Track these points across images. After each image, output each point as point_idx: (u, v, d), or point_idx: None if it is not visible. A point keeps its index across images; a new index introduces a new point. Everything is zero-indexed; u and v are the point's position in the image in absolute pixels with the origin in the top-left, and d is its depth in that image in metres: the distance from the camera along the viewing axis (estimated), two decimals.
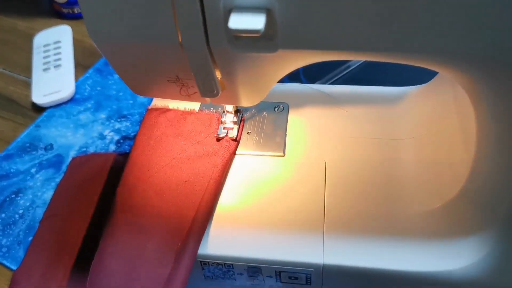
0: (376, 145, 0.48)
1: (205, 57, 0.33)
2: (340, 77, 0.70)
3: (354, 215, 0.44)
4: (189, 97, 0.40)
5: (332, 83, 0.69)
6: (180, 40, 0.32)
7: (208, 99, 0.40)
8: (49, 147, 0.64)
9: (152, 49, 0.34)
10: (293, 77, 0.71)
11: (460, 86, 0.37)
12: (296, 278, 0.44)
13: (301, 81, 0.71)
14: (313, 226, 0.43)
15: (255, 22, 0.29)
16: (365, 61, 0.71)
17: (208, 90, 0.37)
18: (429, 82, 0.51)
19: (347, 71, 0.70)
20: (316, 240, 0.43)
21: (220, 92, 0.37)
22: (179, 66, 0.35)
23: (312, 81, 0.70)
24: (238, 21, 0.29)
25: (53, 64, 0.73)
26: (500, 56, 0.29)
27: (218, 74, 0.36)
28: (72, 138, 0.65)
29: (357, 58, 0.33)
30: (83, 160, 0.60)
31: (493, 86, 0.32)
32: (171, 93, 0.40)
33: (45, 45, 0.77)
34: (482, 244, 0.40)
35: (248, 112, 0.53)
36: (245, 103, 0.40)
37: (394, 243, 0.42)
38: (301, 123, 0.52)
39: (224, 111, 0.50)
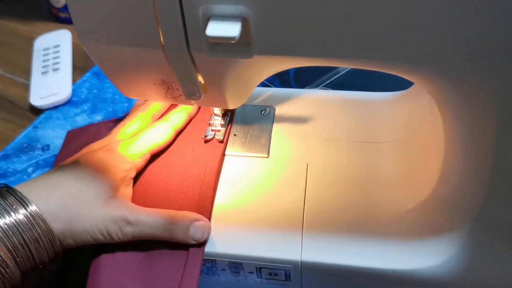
0: (356, 148, 0.50)
1: (186, 61, 0.35)
2: (329, 82, 0.72)
3: (332, 215, 0.46)
4: (175, 99, 0.42)
5: (321, 88, 0.71)
6: (163, 45, 0.35)
7: (193, 102, 0.42)
8: (46, 148, 0.66)
9: (136, 53, 0.36)
10: (284, 82, 0.73)
11: (429, 93, 0.39)
12: (276, 274, 0.45)
13: (291, 86, 0.73)
14: (292, 224, 0.45)
15: (231, 29, 0.31)
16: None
17: (191, 93, 0.39)
18: (409, 88, 0.53)
19: (336, 76, 0.72)
20: (295, 237, 0.44)
21: (202, 95, 0.39)
22: (163, 70, 0.37)
23: (302, 86, 0.72)
24: (215, 29, 0.31)
25: (52, 67, 0.76)
26: (461, 65, 0.31)
27: (200, 78, 0.38)
28: None
29: (328, 64, 0.35)
30: (78, 131, 0.64)
31: (457, 95, 0.34)
32: (158, 95, 0.42)
33: (45, 49, 0.79)
34: (452, 244, 0.41)
35: (235, 115, 0.55)
36: (227, 105, 0.42)
37: (369, 242, 0.44)
38: (286, 126, 0.54)
39: (212, 114, 0.52)
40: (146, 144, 0.50)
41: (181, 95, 0.40)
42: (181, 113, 0.53)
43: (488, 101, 0.33)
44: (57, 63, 0.76)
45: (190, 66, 0.36)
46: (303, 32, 0.32)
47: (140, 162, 0.49)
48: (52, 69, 0.75)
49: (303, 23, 0.31)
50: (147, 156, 0.50)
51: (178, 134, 0.53)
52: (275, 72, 0.40)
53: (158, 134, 0.51)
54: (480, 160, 0.37)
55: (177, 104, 0.55)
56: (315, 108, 0.55)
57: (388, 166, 0.48)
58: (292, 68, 0.75)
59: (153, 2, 0.32)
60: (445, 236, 0.42)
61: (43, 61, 0.77)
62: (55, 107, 0.71)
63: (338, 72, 0.73)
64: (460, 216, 0.41)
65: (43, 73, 0.75)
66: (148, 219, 0.43)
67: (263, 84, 0.72)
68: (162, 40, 0.34)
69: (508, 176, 0.36)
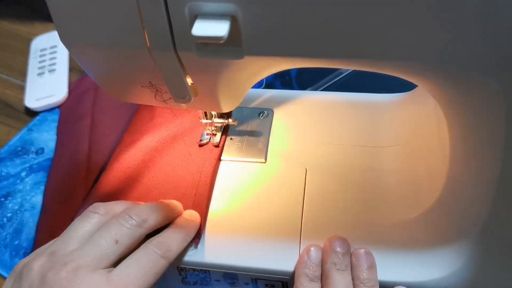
0: (358, 152, 0.48)
1: (174, 63, 0.33)
2: (332, 84, 0.70)
3: (332, 223, 0.43)
4: (165, 103, 0.40)
5: (324, 90, 0.69)
6: (148, 46, 0.33)
7: (184, 105, 0.40)
8: (40, 151, 0.65)
9: (122, 54, 0.34)
10: (285, 83, 0.71)
11: (433, 97, 0.36)
12: (273, 286, 0.43)
13: (293, 87, 0.70)
14: (290, 233, 0.43)
15: (218, 29, 0.29)
16: None
17: (180, 96, 0.37)
18: (413, 90, 0.51)
19: (339, 77, 0.70)
20: (293, 247, 0.42)
21: (192, 98, 0.37)
22: (150, 72, 0.35)
23: (304, 87, 0.70)
24: (202, 28, 0.29)
25: (48, 68, 0.74)
26: (465, 66, 0.29)
27: (190, 80, 0.36)
28: None
29: (323, 65, 0.33)
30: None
31: (460, 96, 0.32)
32: (147, 98, 0.40)
33: (41, 50, 0.78)
34: (458, 255, 0.39)
35: (232, 118, 0.53)
36: (220, 108, 0.40)
37: (371, 252, 0.41)
38: (284, 130, 0.52)
39: (207, 117, 0.50)
40: None
41: (170, 98, 0.38)
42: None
43: (495, 105, 0.31)
44: (54, 64, 0.75)
45: (177, 68, 0.34)
46: (297, 31, 0.29)
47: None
48: (48, 70, 0.74)
49: (296, 21, 0.29)
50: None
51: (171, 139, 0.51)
52: (270, 74, 0.38)
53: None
54: (487, 166, 0.35)
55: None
56: (316, 110, 0.53)
57: (391, 172, 0.46)
58: (294, 69, 0.73)
59: (137, 1, 0.30)
60: (451, 246, 0.40)
61: (40, 62, 0.76)
62: (51, 109, 0.70)
63: (341, 73, 0.71)
64: (467, 226, 0.39)
65: (39, 74, 0.74)
66: None
67: (261, 83, 0.70)
68: (147, 40, 0.32)
69: None
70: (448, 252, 0.40)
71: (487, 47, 0.27)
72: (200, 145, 0.50)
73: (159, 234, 0.41)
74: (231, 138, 0.51)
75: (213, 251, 0.43)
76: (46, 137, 0.66)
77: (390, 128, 0.49)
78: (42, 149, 0.65)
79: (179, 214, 0.44)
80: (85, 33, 0.33)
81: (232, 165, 0.49)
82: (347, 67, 0.34)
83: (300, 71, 0.72)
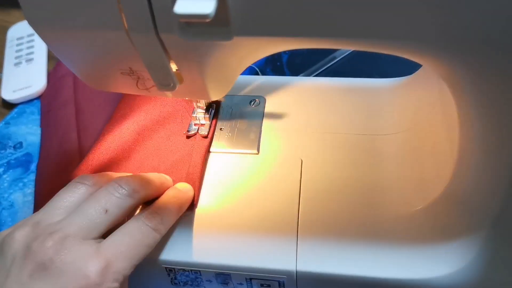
0: (357, 141, 0.45)
1: (155, 46, 0.30)
2: (325, 69, 0.67)
3: (330, 218, 0.41)
4: (147, 91, 0.37)
5: (316, 75, 0.66)
6: (126, 27, 0.29)
7: (169, 93, 0.37)
8: (18, 146, 0.61)
9: (97, 37, 0.31)
10: (276, 69, 0.68)
11: (441, 78, 0.33)
12: (268, 286, 0.40)
13: (284, 73, 0.67)
14: (286, 230, 0.40)
15: (204, 6, 0.26)
16: (352, 52, 0.68)
17: (163, 83, 0.33)
18: (415, 73, 0.48)
19: (332, 62, 0.67)
20: (289, 244, 0.39)
21: (177, 85, 0.34)
22: (129, 57, 0.32)
23: (296, 73, 0.67)
24: (185, 5, 0.26)
25: (25, 58, 0.70)
26: (482, 44, 0.26)
27: (174, 66, 0.33)
28: None
29: (322, 46, 0.30)
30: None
31: (475, 79, 0.29)
32: (127, 86, 0.37)
33: (18, 38, 0.74)
34: (468, 250, 0.36)
35: (221, 107, 0.49)
36: (208, 97, 0.37)
37: (373, 248, 0.39)
38: (278, 118, 0.48)
39: (195, 106, 0.47)
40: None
41: (153, 86, 0.35)
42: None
43: (510, 89, 0.28)
44: (31, 53, 0.71)
45: (160, 51, 0.30)
46: (290, 8, 0.26)
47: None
48: (25, 60, 0.70)
49: None
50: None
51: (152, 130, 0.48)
52: (261, 57, 0.34)
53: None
54: (500, 153, 0.32)
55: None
56: (310, 98, 0.50)
57: (393, 161, 0.43)
58: (285, 54, 0.69)
59: None
60: (459, 241, 0.37)
61: (16, 51, 0.72)
62: (29, 101, 0.66)
63: (335, 58, 0.68)
64: (477, 218, 0.36)
65: (16, 64, 0.70)
66: None
67: (253, 72, 0.67)
68: (124, 21, 0.29)
69: None
70: (456, 247, 0.37)
71: (500, 26, 0.24)
72: (188, 137, 0.47)
73: (151, 205, 0.39)
74: (220, 128, 0.48)
75: (204, 250, 0.40)
76: (25, 130, 0.63)
77: (390, 114, 0.46)
78: (21, 144, 0.61)
79: (170, 186, 0.42)
80: (55, 15, 0.30)
81: (223, 158, 0.46)
82: (348, 47, 0.30)
83: (292, 55, 0.69)
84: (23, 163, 0.59)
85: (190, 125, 0.47)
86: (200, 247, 0.40)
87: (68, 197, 0.38)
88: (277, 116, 0.48)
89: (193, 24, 0.28)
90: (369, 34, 0.27)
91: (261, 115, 0.49)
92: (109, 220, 0.36)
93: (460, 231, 0.37)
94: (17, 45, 0.73)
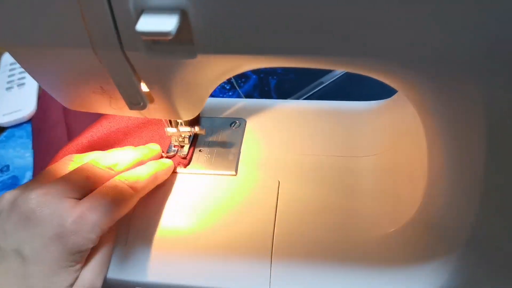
0: (335, 163, 0.45)
1: (122, 64, 0.30)
2: (312, 94, 0.67)
3: (304, 240, 0.40)
4: (120, 110, 0.37)
5: (304, 99, 0.66)
6: (92, 45, 0.30)
7: (141, 112, 0.37)
8: (5, 169, 0.61)
9: (66, 55, 0.31)
10: (264, 94, 0.68)
11: (409, 100, 0.33)
12: None
13: (271, 98, 0.68)
14: (260, 252, 0.40)
15: (165, 23, 0.26)
16: (340, 76, 0.68)
17: (133, 102, 0.34)
18: (393, 96, 0.48)
19: (319, 87, 0.67)
20: (263, 266, 0.39)
21: (147, 105, 0.34)
22: (99, 76, 0.32)
23: (284, 97, 0.67)
24: (147, 23, 0.26)
25: (17, 82, 0.71)
26: (441, 64, 0.26)
27: (144, 85, 0.33)
28: (30, 159, 0.62)
29: (287, 64, 0.30)
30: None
31: (436, 97, 0.29)
32: (102, 106, 0.37)
33: (11, 64, 0.75)
34: (443, 269, 0.36)
35: (199, 127, 0.49)
36: (179, 116, 0.37)
37: (346, 271, 0.38)
38: (257, 140, 0.48)
39: (172, 125, 0.47)
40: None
41: (125, 105, 0.35)
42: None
43: (476, 110, 0.28)
44: (23, 78, 0.72)
45: (127, 69, 0.31)
46: (252, 26, 0.27)
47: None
48: (17, 85, 0.71)
49: (251, 14, 0.26)
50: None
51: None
52: (231, 76, 0.35)
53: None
54: (469, 175, 0.32)
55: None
56: (291, 120, 0.50)
57: (369, 182, 0.43)
58: (273, 79, 0.70)
59: None
60: (432, 263, 0.36)
61: (9, 76, 0.73)
62: (18, 125, 0.67)
63: (323, 83, 0.68)
64: (449, 240, 0.36)
65: (8, 88, 0.71)
66: None
67: (244, 96, 0.68)
68: (91, 39, 0.29)
69: (501, 193, 0.30)
70: (429, 270, 0.36)
71: (465, 49, 0.25)
72: (167, 157, 0.47)
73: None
74: (200, 150, 0.48)
75: (178, 271, 0.39)
76: (12, 154, 0.63)
77: (368, 137, 0.46)
78: (7, 167, 0.62)
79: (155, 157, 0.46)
80: (23, 32, 0.30)
81: (201, 179, 0.45)
82: (314, 66, 0.31)
83: (280, 81, 0.70)
84: (10, 186, 0.59)
85: (169, 146, 0.48)
86: (176, 269, 0.40)
87: (55, 171, 0.42)
88: (257, 138, 0.49)
89: (157, 42, 0.28)
90: (335, 53, 0.27)
91: (241, 137, 0.49)
92: (89, 185, 0.39)
93: (433, 253, 0.36)
94: (10, 70, 0.74)
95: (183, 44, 0.28)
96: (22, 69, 0.72)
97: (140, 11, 0.27)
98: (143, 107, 0.34)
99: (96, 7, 0.27)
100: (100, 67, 0.31)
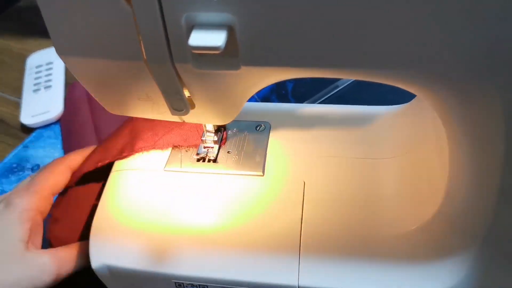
0: (356, 164, 0.48)
1: (171, 75, 0.33)
2: (329, 97, 0.70)
3: (331, 236, 0.43)
4: (161, 115, 0.40)
5: (320, 103, 0.69)
6: (145, 58, 0.32)
7: (183, 117, 0.40)
8: (35, 168, 0.64)
9: (118, 66, 0.34)
10: (281, 97, 0.71)
11: (431, 106, 0.36)
12: None
13: (289, 101, 0.70)
14: (289, 247, 0.42)
15: (215, 39, 0.29)
16: (353, 81, 0.71)
17: (176, 108, 0.37)
18: (411, 101, 0.51)
19: (335, 91, 0.70)
20: (292, 261, 0.42)
21: (189, 111, 0.37)
22: (147, 85, 0.35)
23: (300, 100, 0.70)
24: (198, 38, 0.29)
25: (44, 85, 0.74)
26: (461, 71, 0.29)
27: (187, 92, 0.36)
28: None
29: (322, 75, 0.33)
30: None
31: (458, 103, 0.32)
32: (143, 110, 0.40)
33: (37, 66, 0.78)
34: (460, 267, 0.38)
35: (229, 131, 0.52)
36: (217, 121, 0.40)
37: (371, 266, 0.41)
38: (282, 142, 0.51)
39: (204, 130, 0.50)
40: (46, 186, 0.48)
41: (166, 110, 0.38)
42: (78, 154, 0.52)
43: (494, 111, 0.31)
44: (49, 80, 0.75)
45: (175, 80, 0.34)
46: (293, 41, 0.29)
47: (43, 205, 0.47)
48: (44, 87, 0.74)
49: (292, 31, 0.29)
50: (51, 198, 0.49)
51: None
52: (267, 85, 0.37)
53: (57, 174, 0.50)
54: (488, 176, 0.35)
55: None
56: (313, 123, 0.53)
57: (390, 184, 0.46)
58: (290, 83, 0.73)
59: (133, 12, 0.30)
60: (452, 258, 0.39)
61: (35, 78, 0.76)
62: (47, 126, 0.70)
63: (338, 86, 0.71)
64: (468, 237, 0.38)
65: (35, 91, 0.73)
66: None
67: (259, 100, 0.70)
68: (143, 52, 0.32)
69: None
70: (450, 264, 0.39)
71: (481, 52, 0.27)
72: (198, 160, 0.49)
73: None
74: (228, 152, 0.51)
75: (211, 266, 0.42)
76: (42, 153, 0.66)
77: (389, 140, 0.49)
78: (38, 166, 0.64)
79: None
80: (80, 45, 0.33)
81: (230, 179, 0.48)
82: (345, 76, 0.33)
83: (297, 84, 0.72)
84: None
85: (199, 148, 0.50)
86: (207, 263, 0.42)
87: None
88: (281, 140, 0.51)
89: (205, 55, 0.31)
90: (364, 64, 0.30)
91: (266, 140, 0.51)
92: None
93: (453, 249, 0.39)
94: (36, 72, 0.77)
95: (228, 56, 0.31)
96: (48, 72, 0.76)
97: (190, 27, 0.30)
98: (186, 113, 0.37)
99: (151, 24, 0.30)
100: (149, 77, 0.34)
